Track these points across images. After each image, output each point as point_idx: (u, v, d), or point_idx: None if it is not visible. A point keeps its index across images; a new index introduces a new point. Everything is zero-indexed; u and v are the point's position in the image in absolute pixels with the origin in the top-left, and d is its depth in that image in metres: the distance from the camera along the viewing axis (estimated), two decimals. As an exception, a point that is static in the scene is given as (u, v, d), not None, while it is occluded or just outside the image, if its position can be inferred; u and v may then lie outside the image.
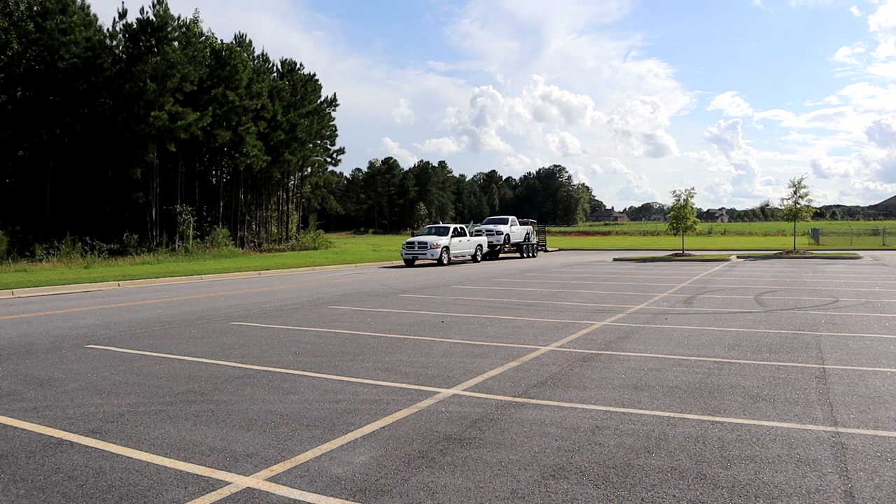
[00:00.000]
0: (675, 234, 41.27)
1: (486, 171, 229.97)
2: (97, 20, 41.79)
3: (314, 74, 58.75)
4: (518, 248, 40.70)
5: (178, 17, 41.60)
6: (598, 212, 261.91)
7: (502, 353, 9.28)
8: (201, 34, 44.69)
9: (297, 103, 54.82)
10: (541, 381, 7.52)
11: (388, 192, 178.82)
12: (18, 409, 6.60)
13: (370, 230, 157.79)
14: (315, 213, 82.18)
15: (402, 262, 34.80)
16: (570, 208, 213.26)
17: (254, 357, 9.13)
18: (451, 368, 8.27)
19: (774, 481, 4.57)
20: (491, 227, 39.84)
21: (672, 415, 6.16)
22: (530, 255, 41.58)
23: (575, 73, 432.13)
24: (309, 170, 64.76)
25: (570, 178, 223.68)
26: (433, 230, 35.21)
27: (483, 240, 36.99)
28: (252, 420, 6.11)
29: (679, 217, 38.99)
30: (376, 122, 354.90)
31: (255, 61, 52.70)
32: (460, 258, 35.01)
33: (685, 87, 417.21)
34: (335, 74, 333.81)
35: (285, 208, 61.61)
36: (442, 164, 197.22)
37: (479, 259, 35.84)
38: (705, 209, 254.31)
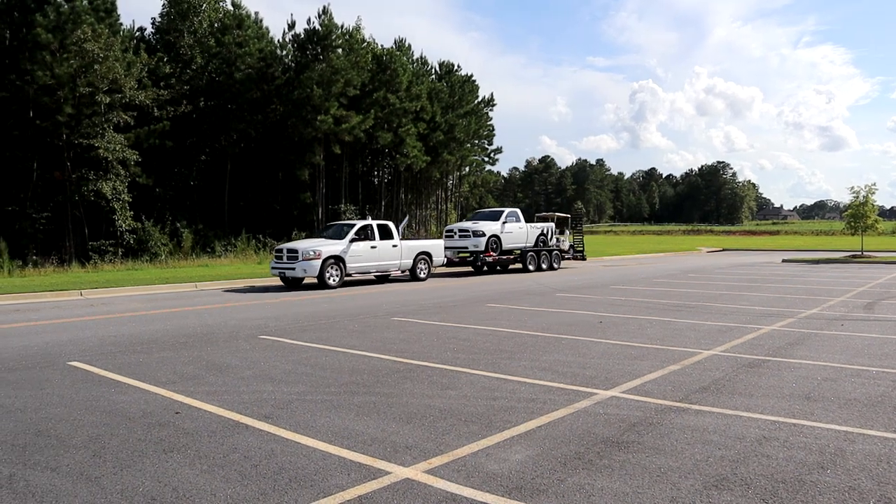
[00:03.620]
0: (852, 234, 38.33)
1: (646, 168, 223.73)
2: (269, 32, 44.73)
3: (471, 75, 59.51)
4: (522, 256, 27.28)
5: (342, 26, 43.49)
6: (766, 210, 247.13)
7: (662, 355, 9.01)
8: (363, 40, 46.41)
9: (454, 104, 55.75)
10: (703, 387, 7.23)
11: (545, 190, 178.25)
12: (201, 392, 7.18)
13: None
14: (473, 213, 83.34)
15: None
16: (734, 207, 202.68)
17: (413, 352, 9.40)
18: (609, 370, 8.13)
19: (971, 507, 4.14)
20: (467, 225, 26.90)
21: (850, 429, 5.73)
22: (546, 266, 28.21)
23: (740, 64, 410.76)
24: (467, 169, 65.79)
25: (734, 174, 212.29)
26: (330, 230, 23.23)
27: (433, 245, 24.48)
28: (411, 413, 6.30)
29: (858, 215, 36.09)
30: (533, 120, 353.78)
31: (414, 65, 54.09)
32: (375, 273, 22.57)
33: (865, 73, 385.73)
34: (491, 74, 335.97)
35: (444, 207, 62.89)
36: (600, 161, 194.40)
37: (424, 276, 23.61)
38: (888, 206, 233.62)
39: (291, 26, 43.74)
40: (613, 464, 4.94)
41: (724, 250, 52.67)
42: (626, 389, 7.15)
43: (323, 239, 21.99)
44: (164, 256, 32.96)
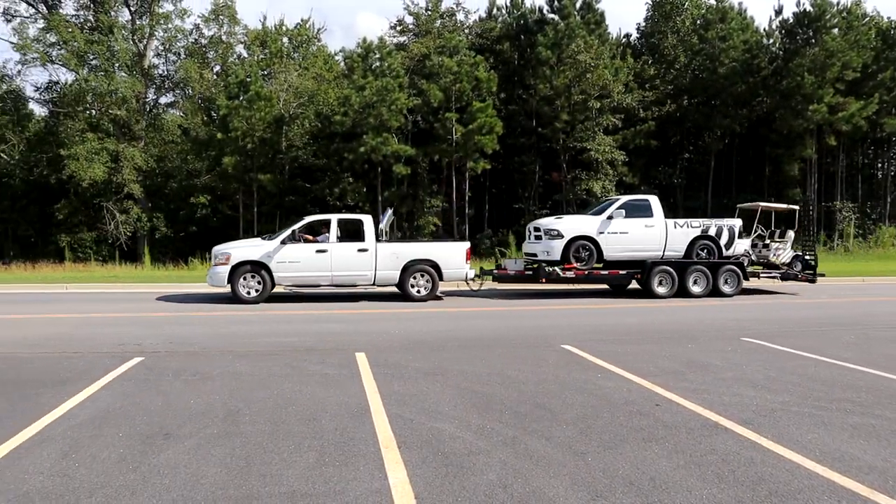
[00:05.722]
0: None
1: None
2: (753, 22, 43.13)
3: None
4: (646, 272, 17.14)
5: (837, 3, 39.76)
6: None
7: None
8: (864, 15, 41.59)
9: None
10: None
11: None
12: (681, 388, 7.26)
13: None
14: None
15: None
16: None
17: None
18: None
19: None
20: (545, 222, 18.22)
21: None
22: (702, 288, 17.28)
23: None
24: None
25: None
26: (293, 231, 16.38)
27: (440, 250, 16.69)
28: (920, 442, 5.48)
29: None
30: None
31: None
32: (333, 286, 16.19)
33: None
34: None
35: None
36: None
37: (423, 294, 16.30)
38: None
39: (778, 12, 41.86)
40: None
41: None
42: None
43: (258, 239, 17.33)
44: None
